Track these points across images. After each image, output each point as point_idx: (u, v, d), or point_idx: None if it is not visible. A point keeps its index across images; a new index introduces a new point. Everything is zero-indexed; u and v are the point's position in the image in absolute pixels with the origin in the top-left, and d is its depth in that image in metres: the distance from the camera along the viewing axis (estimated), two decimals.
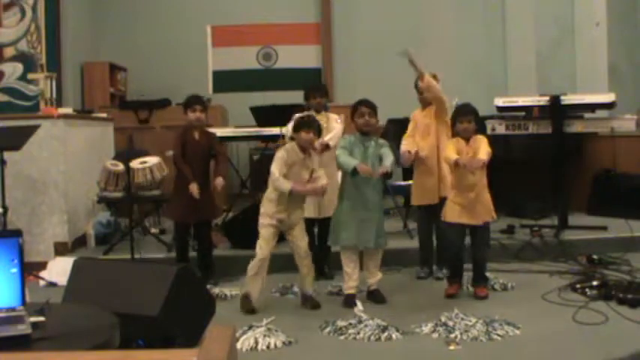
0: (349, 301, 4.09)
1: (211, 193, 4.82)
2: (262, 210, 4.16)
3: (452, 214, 4.22)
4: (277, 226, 4.13)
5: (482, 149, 4.18)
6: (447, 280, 4.37)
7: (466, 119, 4.22)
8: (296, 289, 4.48)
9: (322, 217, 4.77)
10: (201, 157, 4.73)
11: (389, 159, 4.14)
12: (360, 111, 4.22)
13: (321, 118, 4.81)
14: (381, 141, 4.29)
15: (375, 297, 4.22)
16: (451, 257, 4.36)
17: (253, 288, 4.10)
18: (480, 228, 4.23)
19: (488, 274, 4.60)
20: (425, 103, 4.72)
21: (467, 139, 4.24)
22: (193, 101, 4.77)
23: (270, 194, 4.14)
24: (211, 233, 4.95)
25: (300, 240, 4.17)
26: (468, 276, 4.59)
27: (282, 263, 4.91)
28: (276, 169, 4.05)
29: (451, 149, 4.21)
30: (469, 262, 4.59)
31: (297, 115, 4.34)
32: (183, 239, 4.82)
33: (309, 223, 4.80)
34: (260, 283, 4.12)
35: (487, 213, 4.24)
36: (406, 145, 4.69)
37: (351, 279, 4.18)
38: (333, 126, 4.81)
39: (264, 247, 4.10)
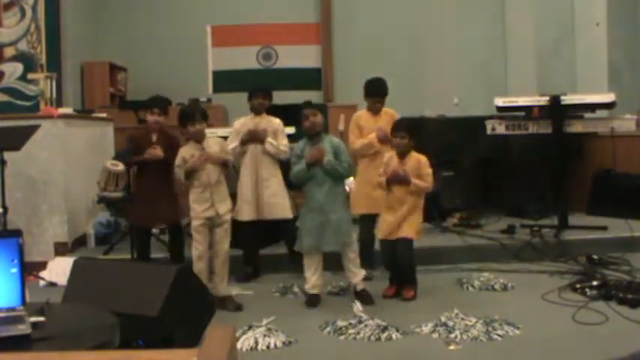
0: (312, 301, 4.17)
1: (174, 196, 4.76)
2: (191, 214, 4.20)
3: (382, 231, 4.31)
4: (208, 225, 4.16)
5: (425, 175, 4.18)
6: (388, 282, 4.38)
7: (399, 135, 4.21)
8: (296, 289, 4.49)
9: (266, 218, 4.73)
10: (159, 160, 4.65)
11: (343, 155, 4.19)
12: (304, 114, 4.23)
13: (260, 119, 4.77)
14: (335, 140, 4.32)
15: (361, 297, 4.19)
16: (386, 266, 4.40)
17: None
18: (402, 239, 4.23)
19: (487, 273, 4.63)
20: (375, 110, 4.71)
21: (401, 156, 4.23)
22: (151, 103, 4.78)
23: (192, 196, 4.20)
24: (183, 234, 4.88)
25: (222, 241, 4.18)
26: (466, 276, 4.61)
27: (282, 263, 4.92)
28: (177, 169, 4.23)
29: (382, 169, 4.27)
30: (469, 262, 4.62)
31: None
32: (143, 241, 4.78)
33: (251, 224, 4.77)
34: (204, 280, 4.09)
35: (406, 232, 4.20)
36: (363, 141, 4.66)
37: (309, 282, 4.23)
38: (276, 128, 4.79)
39: (199, 247, 4.14)
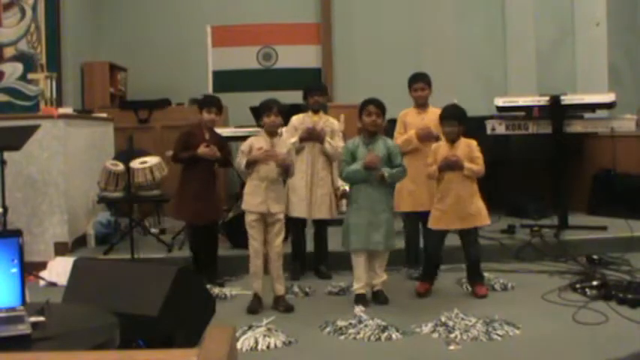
0: (359, 301, 4.12)
1: (217, 195, 4.87)
2: (244, 206, 4.20)
3: (432, 219, 4.28)
4: (261, 220, 4.14)
5: (476, 158, 4.19)
6: (419, 279, 4.39)
7: (448, 123, 4.23)
8: (296, 289, 4.49)
9: (315, 218, 4.81)
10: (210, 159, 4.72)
11: (397, 158, 4.19)
12: (368, 110, 4.20)
13: (318, 118, 4.82)
14: (390, 142, 4.30)
15: (377, 298, 4.22)
16: (426, 259, 4.42)
17: (256, 286, 4.14)
18: (466, 230, 4.25)
19: (487, 274, 4.61)
20: (421, 105, 4.71)
21: (451, 142, 4.25)
22: (209, 102, 4.79)
23: (247, 188, 4.20)
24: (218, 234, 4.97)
25: (275, 239, 4.15)
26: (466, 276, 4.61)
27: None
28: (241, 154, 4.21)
29: (430, 159, 4.26)
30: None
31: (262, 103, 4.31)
32: (197, 242, 4.82)
33: (300, 223, 4.86)
34: (260, 279, 4.14)
35: (475, 220, 4.23)
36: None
37: (360, 280, 4.20)
38: (334, 128, 4.84)
39: (254, 243, 4.14)
